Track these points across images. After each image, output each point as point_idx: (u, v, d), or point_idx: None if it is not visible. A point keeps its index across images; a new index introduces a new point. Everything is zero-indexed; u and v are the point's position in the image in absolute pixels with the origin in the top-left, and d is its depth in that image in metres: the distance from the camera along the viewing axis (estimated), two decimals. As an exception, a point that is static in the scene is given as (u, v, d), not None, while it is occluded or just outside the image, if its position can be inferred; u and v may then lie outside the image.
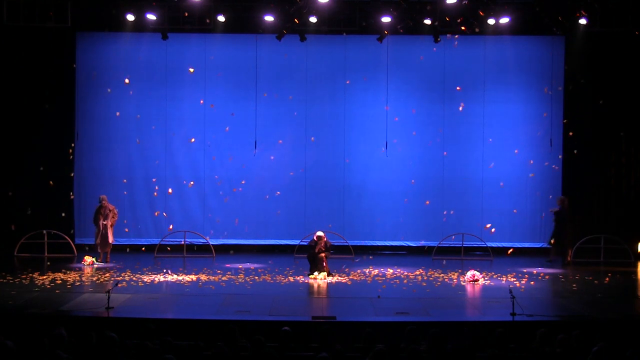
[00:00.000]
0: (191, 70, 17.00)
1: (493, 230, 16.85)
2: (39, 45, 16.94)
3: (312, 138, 17.41)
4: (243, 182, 17.35)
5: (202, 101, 17.30)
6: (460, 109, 17.08)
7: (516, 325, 9.81)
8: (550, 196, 17.14)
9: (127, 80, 16.93)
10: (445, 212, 16.53)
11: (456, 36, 16.48)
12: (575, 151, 17.03)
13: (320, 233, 14.42)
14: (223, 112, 17.52)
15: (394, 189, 17.38)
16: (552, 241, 16.09)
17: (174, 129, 17.52)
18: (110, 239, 15.55)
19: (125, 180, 17.29)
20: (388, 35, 15.98)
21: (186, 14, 16.06)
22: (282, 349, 7.75)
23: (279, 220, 17.60)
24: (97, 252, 15.56)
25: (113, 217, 15.56)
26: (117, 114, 17.17)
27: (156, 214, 17.33)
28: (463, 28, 15.50)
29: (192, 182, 17.32)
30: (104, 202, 15.60)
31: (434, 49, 16.40)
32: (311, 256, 14.21)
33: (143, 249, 16.79)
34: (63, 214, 16.83)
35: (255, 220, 17.56)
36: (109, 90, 17.25)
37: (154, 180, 17.38)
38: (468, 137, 17.59)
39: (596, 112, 17.09)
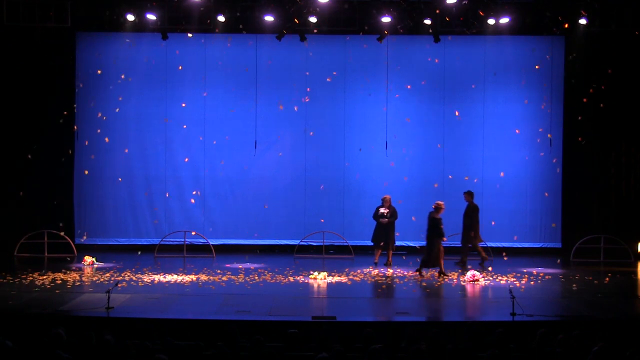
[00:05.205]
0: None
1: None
2: (39, 45, 16.90)
3: (311, 132, 17.40)
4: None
5: (205, 93, 17.38)
6: (457, 113, 17.19)
7: (516, 325, 9.82)
8: (547, 194, 17.27)
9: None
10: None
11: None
12: (576, 149, 17.04)
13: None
14: (223, 112, 17.53)
15: (394, 189, 17.35)
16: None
17: (173, 129, 17.53)
18: None
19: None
20: (388, 35, 15.99)
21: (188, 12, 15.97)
22: (288, 350, 7.73)
23: (279, 220, 17.61)
24: None
25: None
26: (117, 109, 17.22)
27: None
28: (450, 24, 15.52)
29: (198, 192, 17.40)
30: None
31: (435, 46, 16.35)
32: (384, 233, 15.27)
33: (139, 252, 16.78)
34: (61, 223, 16.77)
35: (255, 220, 17.55)
36: (111, 87, 17.27)
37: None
38: (468, 137, 17.60)
39: (596, 111, 17.08)
